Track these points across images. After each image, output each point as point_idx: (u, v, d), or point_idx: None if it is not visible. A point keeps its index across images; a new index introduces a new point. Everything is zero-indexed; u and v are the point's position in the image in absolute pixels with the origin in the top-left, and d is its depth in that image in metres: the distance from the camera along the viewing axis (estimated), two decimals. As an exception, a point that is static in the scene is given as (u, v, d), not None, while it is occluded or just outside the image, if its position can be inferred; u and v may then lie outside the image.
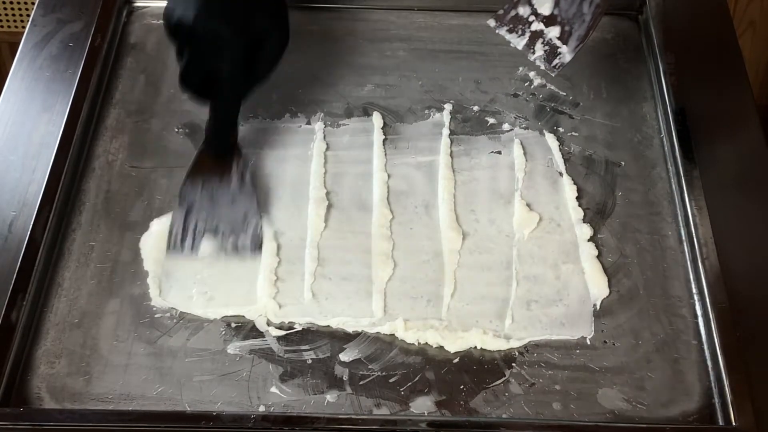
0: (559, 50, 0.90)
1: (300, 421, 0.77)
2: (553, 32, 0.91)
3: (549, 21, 0.91)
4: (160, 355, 0.82)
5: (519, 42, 0.92)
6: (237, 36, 0.86)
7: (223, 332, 0.83)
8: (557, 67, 0.91)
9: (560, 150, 0.97)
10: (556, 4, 0.91)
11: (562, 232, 0.91)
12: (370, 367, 0.81)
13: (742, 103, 1.00)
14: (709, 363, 0.81)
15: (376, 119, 0.99)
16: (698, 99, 0.99)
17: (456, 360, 0.82)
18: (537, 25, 0.91)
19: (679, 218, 0.91)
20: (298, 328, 0.84)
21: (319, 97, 1.02)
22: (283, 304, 0.85)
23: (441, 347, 0.82)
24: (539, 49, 0.91)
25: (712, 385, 0.80)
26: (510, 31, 0.92)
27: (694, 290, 0.86)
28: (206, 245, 0.87)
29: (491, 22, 0.93)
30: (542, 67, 0.92)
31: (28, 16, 1.10)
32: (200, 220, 0.88)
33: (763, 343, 0.82)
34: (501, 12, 0.93)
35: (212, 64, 0.86)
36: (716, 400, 0.79)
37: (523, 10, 0.92)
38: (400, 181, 0.94)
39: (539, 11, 0.91)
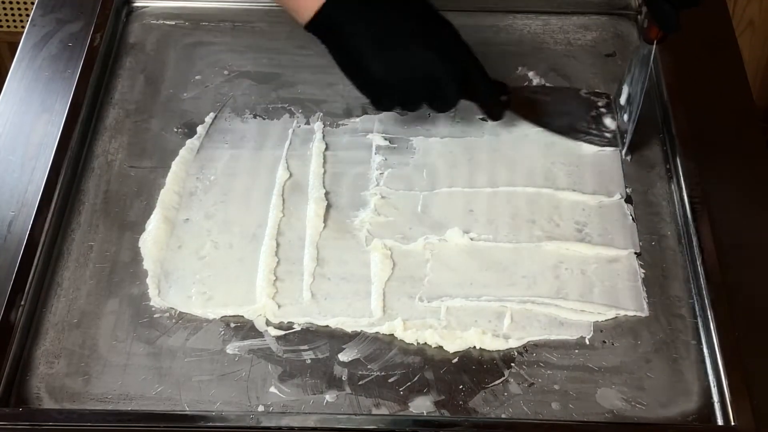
0: None
1: (299, 421, 0.77)
2: None
3: None
4: (159, 355, 0.82)
5: None
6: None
7: (222, 332, 0.83)
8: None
9: (559, 150, 0.97)
10: None
11: (562, 232, 0.91)
12: (369, 367, 0.81)
13: (740, 102, 1.00)
14: (708, 363, 0.81)
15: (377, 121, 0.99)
16: (697, 99, 0.99)
17: (455, 360, 0.82)
18: None
19: (678, 218, 0.91)
20: (297, 328, 0.84)
21: (319, 98, 1.02)
22: (282, 304, 0.85)
23: (440, 347, 0.82)
24: None
25: (711, 384, 0.80)
26: None
27: (693, 290, 0.86)
28: None
29: None
30: None
31: (28, 15, 1.10)
32: None
33: (762, 344, 0.82)
34: None
35: None
36: (715, 399, 0.79)
37: None
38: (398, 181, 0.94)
39: None
